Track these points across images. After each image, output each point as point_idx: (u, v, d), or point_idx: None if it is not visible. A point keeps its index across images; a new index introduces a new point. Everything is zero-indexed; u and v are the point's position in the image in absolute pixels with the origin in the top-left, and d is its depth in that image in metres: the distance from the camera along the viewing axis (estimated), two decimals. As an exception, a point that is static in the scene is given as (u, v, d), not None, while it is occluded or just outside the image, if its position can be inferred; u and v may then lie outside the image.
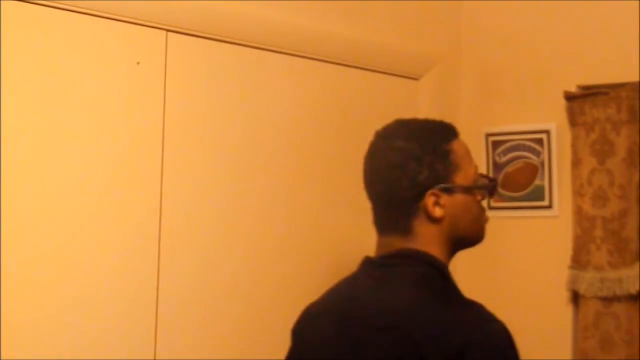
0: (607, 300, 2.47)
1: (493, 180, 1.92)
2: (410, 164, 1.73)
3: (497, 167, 2.74)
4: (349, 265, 2.53)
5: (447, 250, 1.77)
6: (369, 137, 2.60)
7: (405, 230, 1.74)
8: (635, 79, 2.48)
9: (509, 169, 2.72)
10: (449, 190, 1.72)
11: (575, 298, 2.58)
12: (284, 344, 2.35)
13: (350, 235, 2.53)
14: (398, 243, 1.75)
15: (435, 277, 1.72)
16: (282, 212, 2.36)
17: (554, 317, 2.63)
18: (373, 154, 1.81)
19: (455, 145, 1.79)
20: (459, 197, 1.73)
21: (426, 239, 1.73)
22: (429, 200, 1.70)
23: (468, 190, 1.75)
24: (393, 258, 1.75)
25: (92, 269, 1.98)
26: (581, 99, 2.56)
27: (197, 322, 2.17)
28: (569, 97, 2.59)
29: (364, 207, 2.59)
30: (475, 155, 2.76)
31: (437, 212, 1.70)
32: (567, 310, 2.60)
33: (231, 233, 2.24)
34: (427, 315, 1.62)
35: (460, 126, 2.81)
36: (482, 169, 2.77)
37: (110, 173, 2.02)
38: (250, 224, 2.28)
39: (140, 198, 2.07)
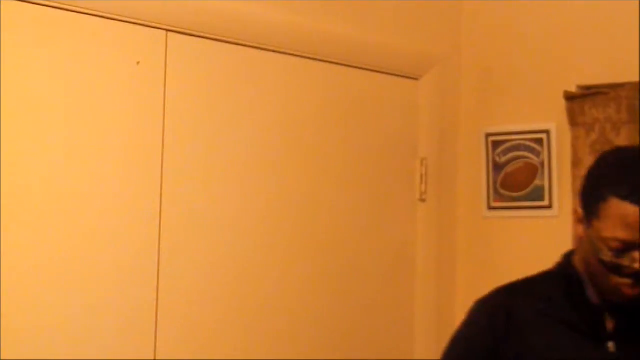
0: (608, 300, 2.46)
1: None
2: None
3: (497, 167, 2.74)
4: (349, 265, 2.53)
5: None
6: (369, 137, 2.61)
7: None
8: (635, 79, 2.47)
9: (509, 169, 2.72)
10: None
11: (575, 298, 2.58)
12: (284, 344, 2.35)
13: (350, 235, 2.53)
14: None
15: None
16: (282, 212, 2.36)
17: (554, 317, 2.63)
18: None
19: None
20: None
21: None
22: None
23: None
24: None
25: (92, 269, 1.98)
26: (581, 99, 2.56)
27: (197, 322, 2.16)
28: (569, 97, 2.58)
29: (364, 207, 2.59)
30: (476, 155, 2.79)
31: None
32: (567, 311, 2.60)
33: (231, 233, 2.24)
34: None
35: (460, 126, 2.85)
36: (482, 169, 2.77)
37: (110, 173, 2.02)
38: (249, 224, 2.28)
39: (140, 198, 2.07)
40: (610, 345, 1.85)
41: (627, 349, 1.84)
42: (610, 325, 1.86)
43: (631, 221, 1.72)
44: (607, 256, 1.76)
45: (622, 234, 1.74)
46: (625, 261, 1.75)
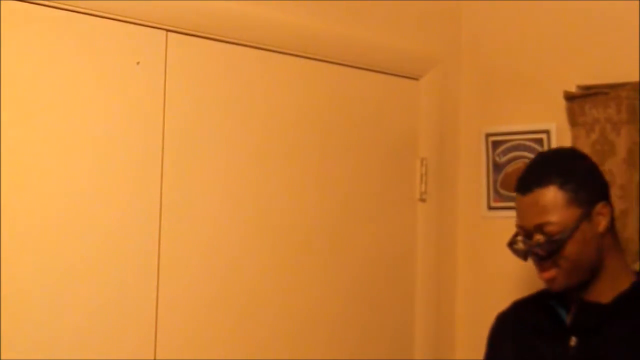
0: (608, 300, 2.47)
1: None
2: None
3: (497, 167, 2.74)
4: (349, 265, 2.53)
5: None
6: (369, 137, 2.61)
7: None
8: (635, 79, 2.47)
9: (509, 169, 2.72)
10: None
11: (576, 298, 2.58)
12: (284, 344, 2.35)
13: (350, 235, 2.53)
14: None
15: None
16: (281, 212, 2.36)
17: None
18: None
19: None
20: None
21: None
22: None
23: None
24: None
25: (92, 269, 1.98)
26: (581, 99, 2.56)
27: (197, 322, 2.17)
28: (569, 97, 2.58)
29: (364, 206, 2.59)
30: (475, 155, 2.79)
31: None
32: (568, 311, 2.60)
33: (231, 233, 2.24)
34: None
35: (460, 126, 2.85)
36: (482, 169, 2.77)
37: (110, 173, 2.02)
38: (250, 224, 2.28)
39: (140, 198, 2.07)
40: (573, 340, 1.94)
41: (588, 341, 1.93)
42: (569, 320, 2.01)
43: (518, 207, 2.02)
44: (508, 242, 2.05)
45: (517, 220, 2.03)
46: (516, 244, 2.04)
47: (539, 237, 1.97)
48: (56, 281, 1.92)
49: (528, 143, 2.69)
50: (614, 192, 2.47)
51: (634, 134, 2.48)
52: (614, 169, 2.48)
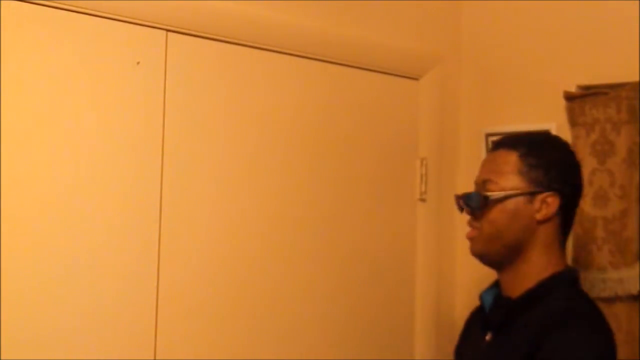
0: (608, 300, 2.46)
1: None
2: None
3: (497, 167, 2.73)
4: (349, 265, 2.53)
5: None
6: (369, 137, 2.61)
7: None
8: (635, 79, 2.47)
9: (509, 169, 2.72)
10: None
11: (575, 298, 2.58)
12: (284, 344, 2.35)
13: (350, 235, 2.53)
14: None
15: None
16: (281, 212, 2.36)
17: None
18: None
19: None
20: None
21: None
22: None
23: None
24: None
25: (92, 268, 1.98)
26: (581, 99, 2.56)
27: (197, 322, 2.16)
28: (569, 97, 2.58)
29: (364, 206, 2.59)
30: (476, 155, 2.78)
31: None
32: (567, 311, 2.60)
33: (231, 232, 2.24)
34: None
35: (460, 126, 2.85)
36: (482, 169, 2.77)
37: (110, 173, 2.02)
38: (249, 223, 2.28)
39: (140, 197, 2.07)
40: (488, 335, 1.94)
41: (499, 337, 1.92)
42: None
43: (482, 161, 2.08)
44: None
45: None
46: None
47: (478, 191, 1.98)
48: (56, 281, 1.92)
49: (528, 143, 2.68)
50: (614, 192, 2.47)
51: (634, 134, 2.48)
52: (614, 169, 2.48)
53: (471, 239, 1.99)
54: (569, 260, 2.58)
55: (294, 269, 2.38)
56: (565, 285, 1.95)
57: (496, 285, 2.05)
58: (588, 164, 2.52)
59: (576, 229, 2.56)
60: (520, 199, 1.92)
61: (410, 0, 2.68)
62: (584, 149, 2.53)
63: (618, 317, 2.46)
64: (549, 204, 1.94)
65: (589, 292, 2.51)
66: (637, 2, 2.51)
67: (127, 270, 2.04)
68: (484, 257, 1.99)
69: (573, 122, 2.58)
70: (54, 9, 1.92)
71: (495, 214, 1.93)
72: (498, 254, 1.96)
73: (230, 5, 2.21)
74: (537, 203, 1.94)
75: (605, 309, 2.48)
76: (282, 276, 2.35)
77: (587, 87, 2.58)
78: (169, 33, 2.12)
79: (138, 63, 2.06)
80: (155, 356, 2.07)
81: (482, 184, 1.98)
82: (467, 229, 2.04)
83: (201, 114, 2.19)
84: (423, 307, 2.70)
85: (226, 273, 2.23)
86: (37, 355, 1.89)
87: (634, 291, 2.44)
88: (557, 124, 2.63)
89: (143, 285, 2.06)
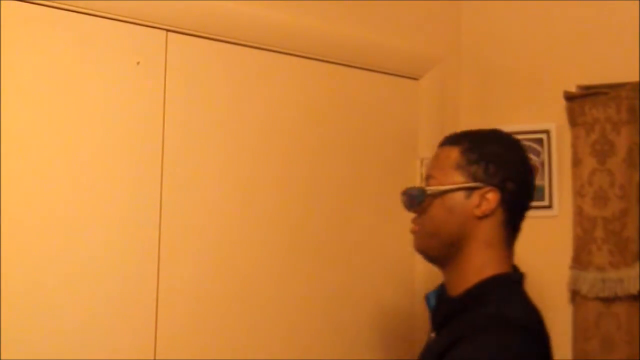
0: (608, 300, 2.47)
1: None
2: None
3: (497, 167, 2.73)
4: (349, 266, 2.53)
5: None
6: (369, 137, 2.61)
7: None
8: (635, 79, 2.48)
9: (509, 169, 2.72)
10: None
11: (575, 298, 2.57)
12: (284, 343, 2.35)
13: (350, 235, 2.53)
14: None
15: None
16: (281, 212, 2.36)
17: (554, 317, 2.62)
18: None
19: None
20: None
21: None
22: None
23: None
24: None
25: (92, 269, 1.98)
26: (581, 99, 2.56)
27: (197, 322, 2.16)
28: (569, 97, 2.59)
29: (364, 206, 2.59)
30: (475, 155, 2.78)
31: None
32: (567, 311, 2.60)
33: (231, 233, 2.24)
34: None
35: (460, 126, 2.84)
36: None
37: (110, 173, 2.02)
38: (249, 223, 2.28)
39: (140, 198, 2.07)
40: (433, 334, 1.93)
41: (438, 337, 1.91)
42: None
43: None
44: None
45: None
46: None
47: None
48: (56, 281, 1.92)
49: (528, 143, 2.68)
50: (614, 192, 2.47)
51: (634, 134, 2.48)
52: (613, 169, 2.48)
53: (413, 233, 1.97)
54: (569, 260, 2.59)
55: (294, 269, 2.38)
56: (505, 288, 1.89)
57: (442, 285, 2.02)
58: (588, 164, 2.52)
59: (576, 229, 2.56)
60: (459, 194, 1.88)
61: (410, 0, 2.69)
62: (584, 149, 2.54)
63: (618, 317, 2.46)
64: (488, 199, 1.88)
65: (588, 292, 2.52)
66: (637, 2, 2.51)
67: (127, 270, 2.04)
68: (425, 253, 1.96)
69: (573, 122, 2.58)
70: (54, 9, 1.92)
71: (435, 210, 1.90)
72: (438, 250, 1.92)
73: (230, 5, 2.21)
74: (476, 198, 1.88)
75: (605, 309, 2.49)
76: (282, 276, 2.35)
77: (587, 87, 2.59)
78: (169, 33, 2.12)
79: (138, 63, 2.06)
80: (155, 356, 2.07)
81: (425, 180, 1.97)
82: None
83: (201, 114, 2.19)
84: (423, 307, 2.69)
85: (226, 273, 2.23)
86: (37, 355, 1.89)
87: (634, 291, 2.44)
88: (557, 124, 2.63)
89: (143, 285, 2.06)
